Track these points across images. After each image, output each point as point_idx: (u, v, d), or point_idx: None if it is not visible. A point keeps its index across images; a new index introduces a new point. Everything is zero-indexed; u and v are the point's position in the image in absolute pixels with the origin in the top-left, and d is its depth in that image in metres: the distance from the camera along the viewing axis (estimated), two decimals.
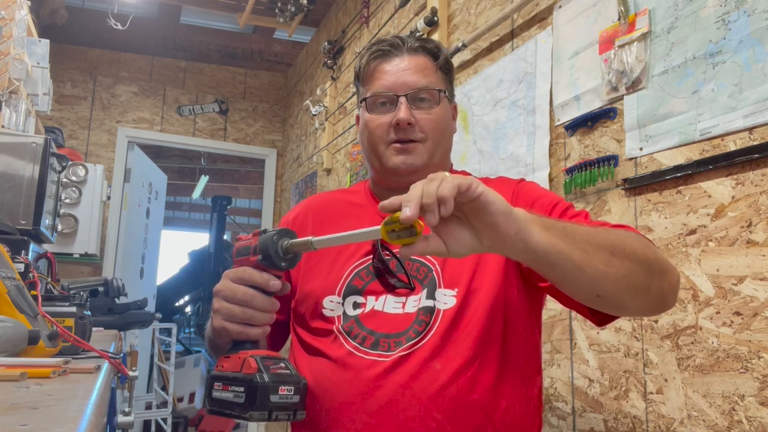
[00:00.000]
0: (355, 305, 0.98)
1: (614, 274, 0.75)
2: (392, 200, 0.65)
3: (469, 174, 1.14)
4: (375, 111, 1.04)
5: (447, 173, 0.66)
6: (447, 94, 1.07)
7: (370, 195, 1.12)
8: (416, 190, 0.65)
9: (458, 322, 0.92)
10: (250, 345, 0.81)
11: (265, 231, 0.80)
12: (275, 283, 0.80)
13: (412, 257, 0.96)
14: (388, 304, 0.96)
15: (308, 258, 1.07)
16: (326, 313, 0.98)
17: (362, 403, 0.89)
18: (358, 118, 1.12)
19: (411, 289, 0.96)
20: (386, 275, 0.96)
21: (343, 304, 0.98)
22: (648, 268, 0.78)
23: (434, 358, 0.90)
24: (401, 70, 1.03)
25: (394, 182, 1.07)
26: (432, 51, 1.06)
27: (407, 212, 0.62)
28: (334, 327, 0.97)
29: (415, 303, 0.95)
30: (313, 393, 0.94)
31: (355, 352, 0.93)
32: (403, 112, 1.01)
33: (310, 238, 0.76)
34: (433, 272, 0.97)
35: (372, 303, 0.97)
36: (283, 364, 0.79)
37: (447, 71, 1.09)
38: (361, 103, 1.08)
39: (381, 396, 0.88)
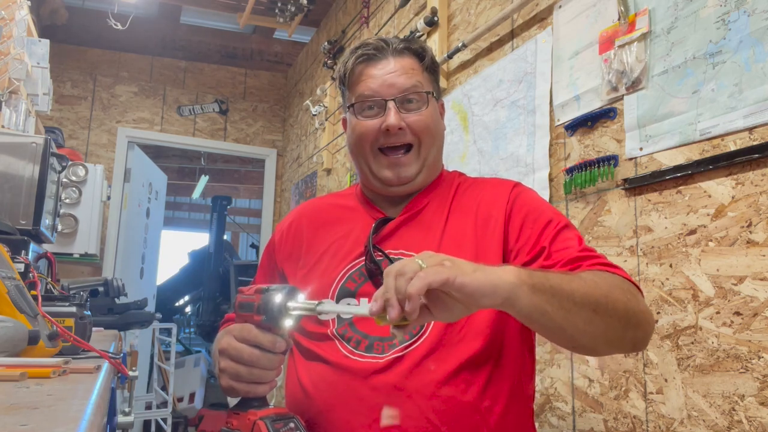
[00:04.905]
0: None
1: (593, 331, 0.78)
2: (377, 302, 0.67)
3: (463, 174, 1.14)
4: (363, 115, 1.03)
5: (420, 261, 0.67)
6: (434, 94, 1.06)
7: (361, 198, 1.12)
8: (390, 283, 0.66)
9: (452, 323, 0.92)
10: (258, 403, 0.81)
11: (267, 289, 0.79)
12: (281, 344, 0.79)
13: (404, 257, 0.98)
14: None
15: (304, 263, 1.07)
16: (321, 316, 0.99)
17: (357, 404, 0.89)
18: (344, 121, 1.11)
19: None
20: (379, 276, 0.97)
21: None
22: (626, 322, 0.81)
23: (428, 359, 0.90)
24: (387, 73, 1.01)
25: (384, 191, 1.07)
26: (417, 52, 1.05)
27: (392, 313, 0.65)
28: (329, 331, 0.97)
29: None
30: (310, 395, 0.95)
31: (350, 355, 0.93)
32: (392, 117, 0.99)
33: (314, 304, 0.75)
34: None
35: (365, 305, 0.97)
36: (292, 424, 0.79)
37: (433, 71, 1.07)
38: (348, 108, 1.06)
39: (375, 397, 0.89)
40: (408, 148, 1.03)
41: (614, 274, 0.86)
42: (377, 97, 1.01)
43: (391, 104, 1.00)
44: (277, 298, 0.77)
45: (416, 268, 0.66)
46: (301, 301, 0.77)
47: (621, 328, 0.81)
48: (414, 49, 1.04)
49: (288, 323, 0.78)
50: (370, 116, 1.02)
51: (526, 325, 0.81)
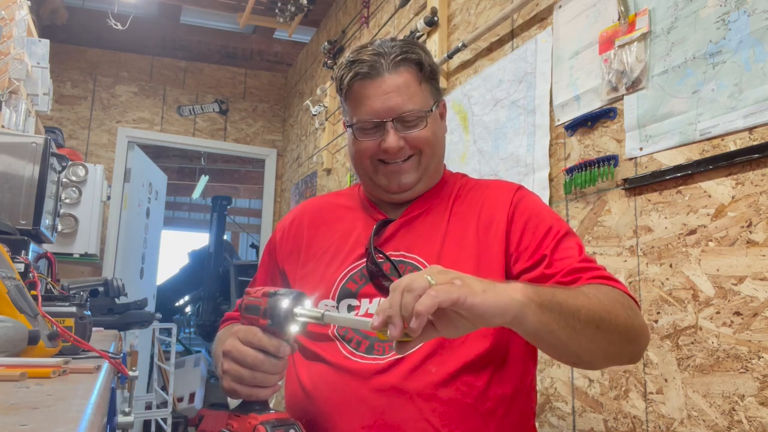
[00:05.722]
0: (350, 308, 0.98)
1: (596, 348, 0.79)
2: (379, 317, 0.66)
3: (466, 176, 1.13)
4: (362, 136, 1.02)
5: (429, 277, 0.65)
6: (434, 105, 1.03)
7: (363, 199, 1.12)
8: (396, 298, 0.65)
9: None
10: (260, 407, 0.80)
11: (275, 293, 0.78)
12: (285, 349, 0.78)
13: (405, 259, 0.97)
14: None
15: (305, 263, 1.07)
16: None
17: (357, 405, 0.89)
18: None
19: None
20: (380, 278, 0.97)
21: (337, 308, 0.99)
22: (626, 337, 0.82)
23: (429, 361, 0.90)
24: (384, 93, 0.98)
25: (385, 197, 1.07)
26: (415, 61, 1.00)
27: (393, 331, 0.64)
28: (330, 331, 0.97)
29: None
30: (310, 395, 0.95)
31: (350, 356, 0.93)
32: (390, 139, 0.99)
33: (321, 311, 0.75)
34: None
35: (366, 306, 0.97)
36: (293, 430, 0.78)
37: (432, 78, 1.04)
38: (347, 127, 1.06)
39: (375, 398, 0.88)
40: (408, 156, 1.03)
41: (614, 288, 0.87)
42: (375, 120, 1.00)
43: (389, 126, 0.99)
44: (284, 303, 0.76)
45: (425, 284, 0.64)
46: (308, 307, 0.77)
47: (621, 344, 0.82)
48: (411, 59, 1.00)
49: (294, 329, 0.77)
50: (369, 136, 1.01)
51: (531, 342, 0.81)
